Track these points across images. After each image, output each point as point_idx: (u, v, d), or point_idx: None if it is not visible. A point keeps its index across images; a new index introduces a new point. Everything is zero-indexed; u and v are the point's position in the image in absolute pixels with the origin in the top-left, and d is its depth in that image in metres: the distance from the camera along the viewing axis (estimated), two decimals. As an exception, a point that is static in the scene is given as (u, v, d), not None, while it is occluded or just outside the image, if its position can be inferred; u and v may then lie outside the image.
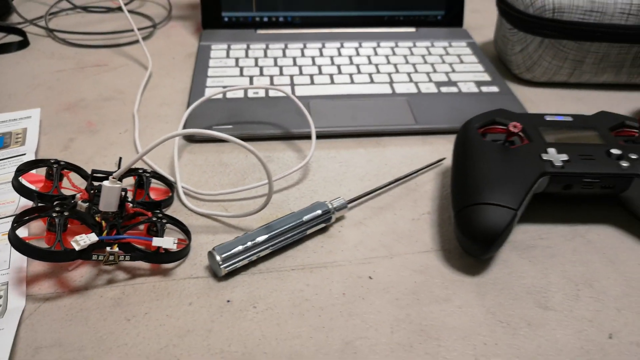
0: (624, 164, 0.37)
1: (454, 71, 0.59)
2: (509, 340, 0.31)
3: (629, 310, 0.33)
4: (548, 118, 0.42)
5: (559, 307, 0.33)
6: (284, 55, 0.60)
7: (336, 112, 0.51)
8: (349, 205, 0.40)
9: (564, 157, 0.37)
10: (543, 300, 0.33)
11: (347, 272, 0.35)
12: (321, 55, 0.61)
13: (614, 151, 0.38)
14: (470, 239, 0.34)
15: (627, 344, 0.31)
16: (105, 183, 0.34)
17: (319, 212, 0.38)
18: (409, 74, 0.58)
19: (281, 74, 0.57)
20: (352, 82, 0.56)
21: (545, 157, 0.37)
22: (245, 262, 0.34)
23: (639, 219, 0.40)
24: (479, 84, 0.56)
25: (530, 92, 0.58)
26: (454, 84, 0.56)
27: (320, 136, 0.49)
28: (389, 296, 0.33)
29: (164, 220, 0.35)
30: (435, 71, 0.58)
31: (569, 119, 0.42)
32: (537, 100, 0.56)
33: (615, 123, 0.41)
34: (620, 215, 0.41)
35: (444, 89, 0.55)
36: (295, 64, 0.59)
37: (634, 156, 0.38)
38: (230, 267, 0.33)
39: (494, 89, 0.56)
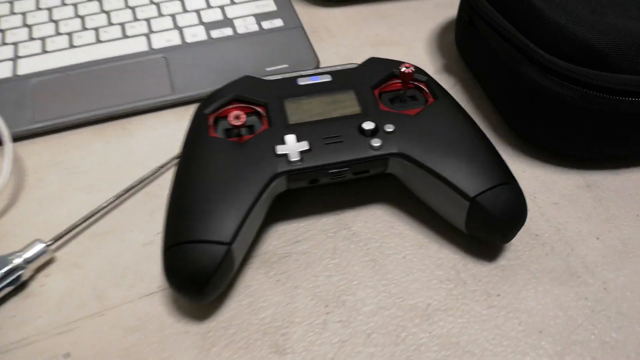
0: (376, 143, 0.29)
1: (232, 3, 0.47)
2: (226, 415, 0.25)
3: (380, 332, 0.28)
4: (301, 82, 0.33)
5: (299, 346, 0.27)
6: (12, 12, 0.46)
7: (69, 92, 0.40)
8: (57, 243, 0.31)
9: (304, 145, 0.29)
10: (282, 340, 0.28)
11: (37, 352, 0.27)
12: (63, 3, 0.47)
13: (367, 126, 0.30)
14: (175, 289, 0.27)
15: (368, 384, 0.26)
16: None
17: (1, 272, 0.29)
18: (173, 16, 0.45)
19: (3, 42, 0.43)
20: (99, 40, 0.43)
21: (280, 150, 0.29)
22: None
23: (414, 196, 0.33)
24: (260, 17, 0.45)
25: (328, 15, 0.48)
26: (230, 22, 0.45)
27: (43, 133, 0.38)
28: (87, 379, 0.26)
29: None
30: (208, 6, 0.46)
31: (327, 78, 0.33)
32: (335, 26, 0.46)
33: (382, 76, 0.33)
34: (395, 189, 0.34)
35: (215, 33, 0.44)
36: (24, 23, 0.45)
37: (389, 128, 0.30)
38: None
39: (278, 22, 0.45)
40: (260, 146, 0.29)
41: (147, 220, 0.33)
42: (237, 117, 0.29)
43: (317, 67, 0.42)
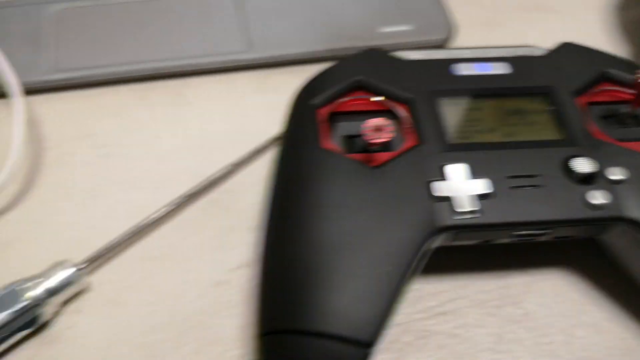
0: (596, 198, 0.19)
1: None
2: None
3: None
4: (460, 70, 0.22)
5: None
6: None
7: (102, 32, 0.28)
8: (93, 266, 0.22)
9: (482, 186, 0.19)
10: None
11: None
12: None
13: (579, 166, 0.19)
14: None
15: None
16: None
17: (10, 311, 0.19)
18: None
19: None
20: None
21: (439, 189, 0.19)
22: None
23: (619, 268, 0.23)
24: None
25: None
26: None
27: (62, 88, 0.27)
28: None
29: None
30: None
31: (506, 68, 0.22)
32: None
33: (589, 77, 0.22)
34: (584, 249, 0.24)
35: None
36: None
37: (617, 174, 0.19)
38: None
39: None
40: (406, 177, 0.19)
41: (220, 243, 0.23)
42: (379, 129, 0.18)
43: (448, 35, 0.30)
